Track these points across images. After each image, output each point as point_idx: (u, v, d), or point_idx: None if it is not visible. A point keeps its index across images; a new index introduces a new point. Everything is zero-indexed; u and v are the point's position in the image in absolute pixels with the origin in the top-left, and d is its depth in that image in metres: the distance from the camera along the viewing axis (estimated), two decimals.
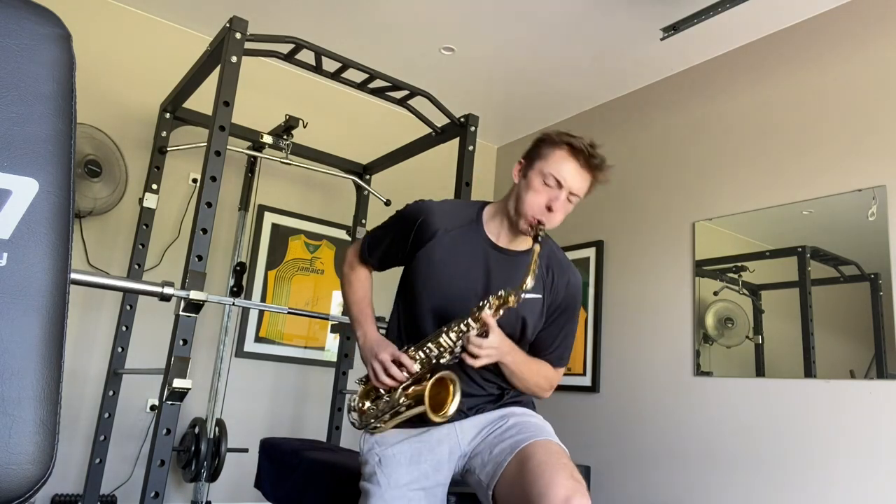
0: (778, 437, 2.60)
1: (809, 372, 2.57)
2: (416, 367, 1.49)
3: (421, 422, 1.50)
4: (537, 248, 1.49)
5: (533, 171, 1.55)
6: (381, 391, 1.55)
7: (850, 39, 2.72)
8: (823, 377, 2.52)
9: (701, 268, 3.06)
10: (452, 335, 1.48)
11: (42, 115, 0.64)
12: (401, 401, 1.49)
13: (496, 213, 1.65)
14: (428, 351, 1.51)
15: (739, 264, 2.92)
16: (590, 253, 3.63)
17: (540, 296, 1.61)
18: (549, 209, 1.51)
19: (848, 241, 2.56)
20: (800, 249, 2.71)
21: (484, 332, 1.46)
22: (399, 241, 1.66)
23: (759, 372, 2.75)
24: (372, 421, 1.57)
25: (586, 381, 3.46)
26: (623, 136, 3.65)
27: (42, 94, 0.65)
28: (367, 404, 1.59)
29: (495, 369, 1.56)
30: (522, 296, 1.45)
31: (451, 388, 1.48)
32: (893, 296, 2.38)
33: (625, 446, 3.18)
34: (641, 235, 3.39)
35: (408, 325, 1.64)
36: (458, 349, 1.48)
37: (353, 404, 1.62)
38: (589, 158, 1.51)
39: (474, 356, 1.44)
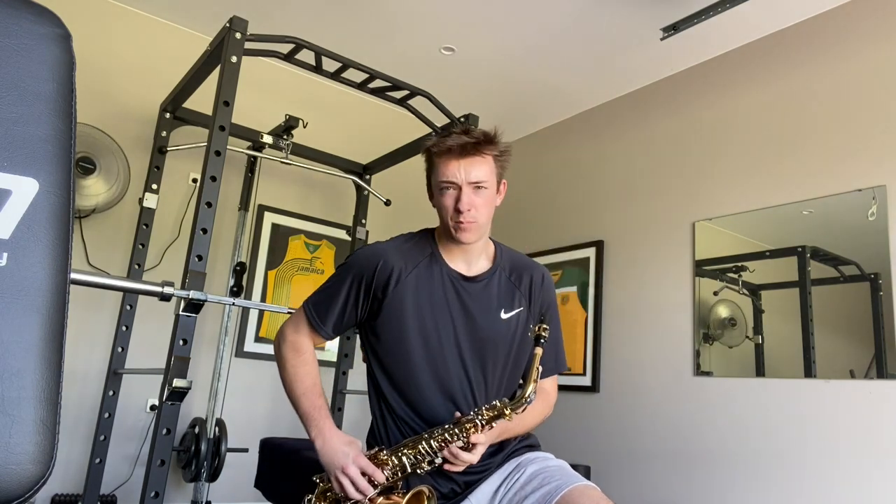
0: (778, 437, 2.60)
1: (809, 372, 2.57)
2: (383, 478, 1.35)
3: None
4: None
5: (433, 187, 1.52)
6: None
7: (850, 39, 2.71)
8: (823, 377, 2.52)
9: (701, 268, 3.06)
10: (434, 443, 1.35)
11: (42, 115, 0.64)
12: None
13: (445, 240, 1.57)
14: (403, 458, 1.37)
15: (739, 264, 2.92)
16: (590, 253, 3.63)
17: (522, 308, 1.56)
18: (458, 210, 1.46)
19: (848, 241, 2.56)
20: (800, 249, 2.71)
21: (468, 446, 1.34)
22: (357, 297, 1.51)
23: (759, 372, 2.75)
24: None
25: (586, 381, 3.46)
26: (623, 136, 3.65)
27: (42, 94, 0.64)
28: None
29: None
30: (519, 409, 1.34)
31: None
32: (893, 296, 2.38)
33: (625, 446, 3.18)
34: (641, 235, 3.39)
35: (396, 393, 1.49)
36: (438, 459, 1.35)
37: None
38: (462, 148, 1.45)
39: (455, 466, 1.35)
